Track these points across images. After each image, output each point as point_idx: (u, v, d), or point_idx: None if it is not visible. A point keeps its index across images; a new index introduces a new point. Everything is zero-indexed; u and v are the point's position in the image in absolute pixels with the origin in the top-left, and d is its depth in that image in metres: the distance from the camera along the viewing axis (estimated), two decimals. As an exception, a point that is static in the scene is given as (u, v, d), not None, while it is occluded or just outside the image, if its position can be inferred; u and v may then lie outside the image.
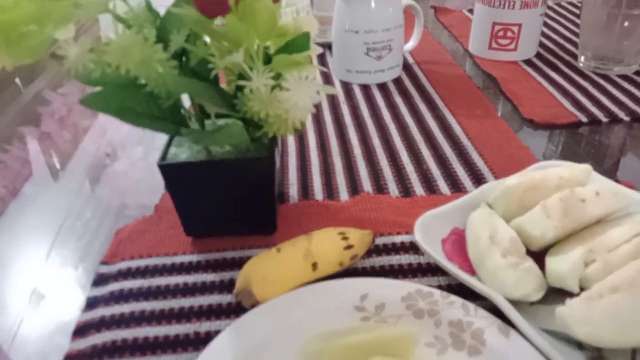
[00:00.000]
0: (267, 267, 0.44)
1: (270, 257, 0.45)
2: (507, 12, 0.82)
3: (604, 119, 0.70)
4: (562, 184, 0.47)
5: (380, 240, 0.51)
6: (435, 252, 0.45)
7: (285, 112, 0.42)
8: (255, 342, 0.39)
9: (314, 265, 0.44)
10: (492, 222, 0.46)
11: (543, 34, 0.96)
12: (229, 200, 0.49)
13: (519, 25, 0.83)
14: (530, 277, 0.42)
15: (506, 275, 0.42)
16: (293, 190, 0.59)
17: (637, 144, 0.66)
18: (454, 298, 0.42)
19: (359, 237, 0.47)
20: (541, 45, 0.91)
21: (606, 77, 0.80)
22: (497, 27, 0.84)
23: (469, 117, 0.72)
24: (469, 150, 0.65)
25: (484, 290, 0.41)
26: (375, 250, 0.49)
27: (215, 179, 0.48)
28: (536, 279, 0.42)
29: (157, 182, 0.61)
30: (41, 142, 0.75)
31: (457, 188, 0.58)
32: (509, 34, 0.84)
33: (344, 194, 0.58)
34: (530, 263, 0.43)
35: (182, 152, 0.48)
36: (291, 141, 0.69)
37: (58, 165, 0.70)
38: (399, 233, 0.51)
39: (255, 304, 0.42)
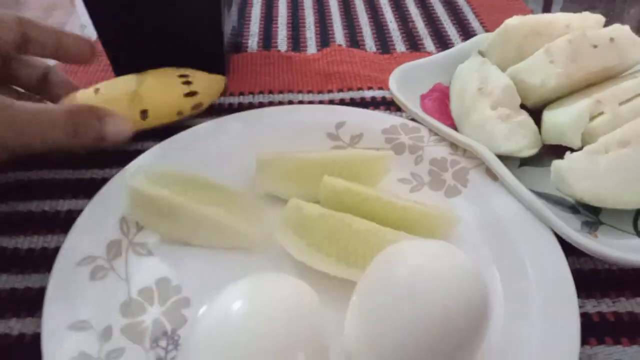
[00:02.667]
0: None
1: (85, 99, 0.34)
2: None
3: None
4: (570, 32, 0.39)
5: (348, 95, 0.43)
6: (412, 105, 0.38)
7: None
8: (205, 154, 0.34)
9: (144, 113, 0.35)
10: (483, 71, 0.38)
11: None
12: (169, 39, 0.39)
13: None
14: (523, 130, 0.34)
15: (495, 127, 0.34)
16: (253, 41, 0.50)
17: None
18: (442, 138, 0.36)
19: (206, 83, 0.38)
20: None
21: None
22: None
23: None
24: (464, 8, 0.56)
25: (465, 141, 0.34)
26: (341, 104, 0.42)
27: (155, 12, 0.37)
28: (530, 134, 0.34)
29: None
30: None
31: (445, 46, 0.50)
32: None
33: (312, 48, 0.49)
34: (524, 116, 0.35)
35: None
36: (256, -8, 0.59)
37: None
38: (370, 88, 0.43)
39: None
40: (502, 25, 0.39)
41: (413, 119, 0.37)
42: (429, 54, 0.48)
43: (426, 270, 0.22)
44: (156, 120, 0.36)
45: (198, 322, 0.22)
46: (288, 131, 0.36)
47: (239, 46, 0.49)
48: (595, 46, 0.36)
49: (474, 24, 0.53)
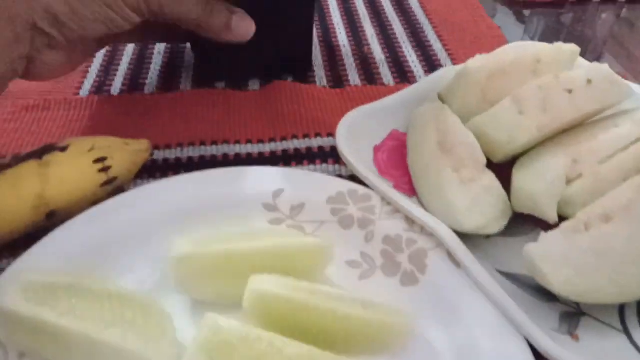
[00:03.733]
0: None
1: None
2: None
3: (594, -4, 0.56)
4: (540, 69, 0.34)
5: (292, 144, 0.37)
6: (362, 162, 0.32)
7: None
8: (105, 241, 0.28)
9: (50, 216, 0.29)
10: (443, 120, 0.32)
11: None
12: (262, 35, 0.36)
13: None
14: (489, 198, 0.29)
15: (457, 196, 0.29)
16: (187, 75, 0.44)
17: (631, 29, 0.52)
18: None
19: (127, 158, 0.32)
20: None
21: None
22: None
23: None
24: (425, 27, 0.50)
25: (422, 218, 0.29)
26: (284, 157, 0.36)
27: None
28: (498, 202, 0.29)
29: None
30: None
31: (404, 77, 0.44)
32: None
33: (253, 83, 0.43)
34: (490, 179, 0.30)
35: None
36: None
37: None
38: (318, 135, 0.38)
39: None
40: (462, 67, 0.33)
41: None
42: (386, 86, 0.43)
43: None
44: (67, 216, 0.29)
45: None
46: (216, 203, 0.30)
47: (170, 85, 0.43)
48: (570, 91, 0.31)
49: (436, 45, 0.48)
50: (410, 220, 0.29)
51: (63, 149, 0.30)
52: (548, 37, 0.51)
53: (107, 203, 0.29)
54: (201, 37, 0.34)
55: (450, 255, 0.27)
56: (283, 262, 0.26)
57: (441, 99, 0.35)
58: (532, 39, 0.51)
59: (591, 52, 0.49)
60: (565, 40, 0.38)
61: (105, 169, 0.30)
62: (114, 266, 0.27)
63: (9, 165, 0.29)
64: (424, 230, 0.29)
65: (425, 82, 0.38)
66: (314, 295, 0.25)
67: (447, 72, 0.38)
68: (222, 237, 0.28)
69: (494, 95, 0.33)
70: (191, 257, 0.26)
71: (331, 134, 0.38)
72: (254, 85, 0.43)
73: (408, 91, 0.37)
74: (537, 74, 0.34)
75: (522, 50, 0.35)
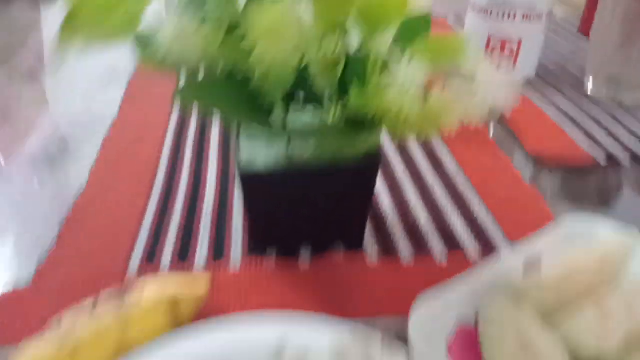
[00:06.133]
0: None
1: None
2: (507, 25, 0.69)
3: (625, 159, 0.57)
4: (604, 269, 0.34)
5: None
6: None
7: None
8: None
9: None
10: (522, 326, 0.31)
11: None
12: (317, 212, 0.40)
13: (519, 42, 0.70)
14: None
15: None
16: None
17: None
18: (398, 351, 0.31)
19: (191, 306, 0.35)
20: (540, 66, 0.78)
21: (619, 107, 0.68)
22: (493, 41, 0.71)
23: (464, 150, 0.58)
24: (467, 193, 0.51)
25: None
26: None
27: (307, 188, 0.39)
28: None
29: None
30: None
31: (454, 247, 0.44)
32: (507, 49, 0.71)
33: (304, 252, 0.43)
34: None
35: (256, 154, 0.38)
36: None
37: None
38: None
39: None
40: (535, 280, 0.33)
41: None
42: (440, 264, 0.42)
43: None
44: None
45: None
46: None
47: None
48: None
49: (481, 212, 0.48)
50: None
51: (139, 295, 0.33)
52: (579, 192, 0.52)
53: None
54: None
55: None
56: None
57: (513, 293, 0.34)
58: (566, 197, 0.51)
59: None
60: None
61: (175, 318, 0.33)
62: None
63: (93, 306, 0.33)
64: None
65: (489, 270, 0.37)
66: None
67: (509, 258, 0.38)
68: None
69: (567, 297, 0.33)
70: None
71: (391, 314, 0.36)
72: (305, 254, 0.42)
73: (473, 281, 0.36)
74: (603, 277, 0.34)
75: (579, 252, 0.35)
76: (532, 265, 0.34)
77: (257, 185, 0.38)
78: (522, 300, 0.33)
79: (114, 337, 0.31)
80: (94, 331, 0.31)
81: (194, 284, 0.35)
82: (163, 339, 0.32)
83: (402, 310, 0.35)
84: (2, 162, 0.49)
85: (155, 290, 0.34)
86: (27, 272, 0.40)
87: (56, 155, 0.54)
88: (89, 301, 0.33)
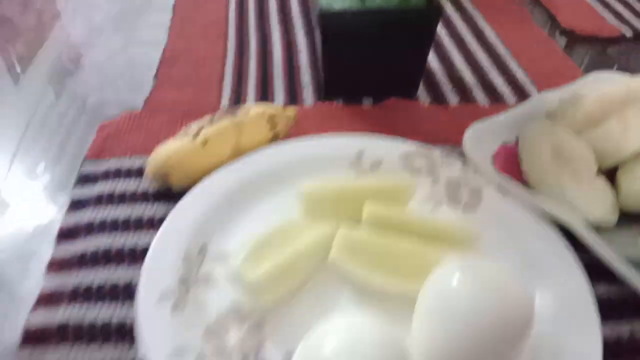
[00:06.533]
0: (191, 164, 0.38)
1: (196, 152, 0.38)
2: None
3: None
4: (630, 99, 0.41)
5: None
6: (487, 167, 0.39)
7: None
8: (237, 190, 0.37)
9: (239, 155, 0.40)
10: (556, 136, 0.39)
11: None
12: (383, 56, 0.47)
13: None
14: (603, 198, 0.36)
15: (578, 195, 0.36)
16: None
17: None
18: (454, 159, 0.40)
19: (285, 122, 0.43)
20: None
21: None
22: None
23: (503, 24, 0.63)
24: (506, 58, 0.57)
25: (556, 214, 0.34)
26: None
27: (377, 30, 0.45)
28: (609, 201, 0.36)
29: (140, 77, 0.52)
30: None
31: (496, 99, 0.51)
32: None
33: (366, 100, 0.50)
34: (602, 182, 0.36)
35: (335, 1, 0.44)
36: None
37: (22, 55, 0.58)
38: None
39: (168, 186, 0.39)
40: (572, 93, 0.40)
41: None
42: (482, 106, 0.49)
43: (485, 284, 0.26)
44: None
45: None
46: (315, 163, 0.39)
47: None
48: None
49: (518, 73, 0.54)
50: (465, 167, 0.39)
51: (248, 111, 0.42)
52: (611, 64, 0.58)
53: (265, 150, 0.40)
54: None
55: (499, 189, 0.37)
56: (383, 194, 0.35)
57: (548, 116, 0.41)
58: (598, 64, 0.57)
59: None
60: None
61: (274, 127, 0.42)
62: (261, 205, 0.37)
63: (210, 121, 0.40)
64: (477, 172, 0.38)
65: (526, 105, 0.44)
66: (410, 213, 0.35)
67: (543, 96, 0.45)
68: (334, 181, 0.37)
69: (596, 116, 0.40)
70: (316, 193, 0.35)
71: (447, 143, 0.44)
72: (367, 102, 0.50)
73: (514, 111, 0.44)
74: (627, 102, 0.41)
75: (611, 83, 0.42)
76: (566, 98, 0.41)
77: (333, 27, 0.45)
78: (557, 120, 0.40)
79: (232, 137, 0.39)
80: (217, 130, 0.39)
81: (284, 109, 0.43)
82: (265, 148, 0.40)
83: (454, 142, 0.43)
84: (19, 70, 0.54)
85: (257, 109, 0.42)
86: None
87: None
88: (206, 117, 0.41)
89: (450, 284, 0.27)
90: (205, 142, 0.38)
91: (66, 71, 0.55)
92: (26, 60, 0.57)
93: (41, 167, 0.43)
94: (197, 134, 0.38)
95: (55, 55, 0.57)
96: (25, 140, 0.45)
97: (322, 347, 0.25)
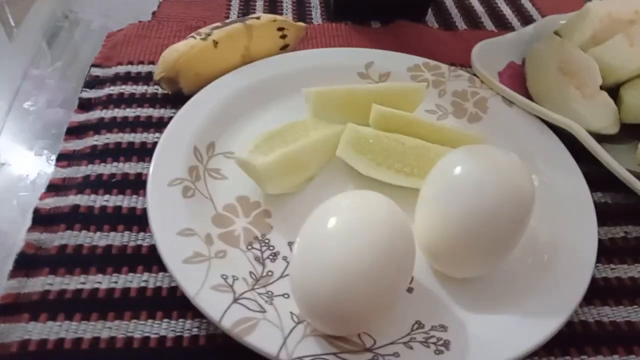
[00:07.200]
0: (201, 64, 0.38)
1: (207, 52, 0.38)
2: None
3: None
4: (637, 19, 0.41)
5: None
6: (494, 81, 0.39)
7: None
8: (246, 94, 0.38)
9: (245, 63, 0.40)
10: (563, 51, 0.39)
11: None
12: None
13: None
14: (606, 109, 0.36)
15: (582, 106, 0.36)
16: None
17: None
18: (461, 72, 0.41)
19: (295, 33, 0.43)
20: None
21: None
22: None
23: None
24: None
25: (560, 119, 0.35)
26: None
27: None
28: (611, 113, 0.36)
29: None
30: None
31: (503, 26, 0.51)
32: None
33: (375, 23, 0.50)
34: (605, 96, 0.37)
35: None
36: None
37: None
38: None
39: (177, 91, 0.38)
40: (583, 8, 0.40)
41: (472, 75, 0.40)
42: (491, 32, 0.49)
43: (489, 166, 0.26)
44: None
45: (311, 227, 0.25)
46: (324, 71, 0.40)
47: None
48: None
49: (527, 5, 0.54)
50: (472, 79, 0.40)
51: (258, 18, 0.41)
52: None
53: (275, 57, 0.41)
54: None
55: (504, 100, 0.38)
56: (390, 98, 0.36)
57: (558, 34, 0.41)
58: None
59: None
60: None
61: (283, 37, 0.42)
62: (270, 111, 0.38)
63: (209, 34, 0.39)
64: (483, 85, 0.39)
65: (534, 25, 0.45)
66: (417, 117, 0.36)
67: (550, 19, 0.45)
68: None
69: (603, 34, 0.40)
70: (324, 93, 0.35)
71: (453, 64, 0.44)
72: (376, 24, 0.50)
73: (520, 31, 0.44)
74: (635, 21, 0.41)
75: (624, 3, 0.42)
76: (574, 18, 0.41)
77: None
78: (565, 38, 0.40)
79: (243, 40, 0.39)
80: (228, 32, 0.39)
81: (295, 21, 0.43)
82: (275, 56, 0.40)
83: (461, 63, 0.44)
84: (12, 23, 0.52)
85: (269, 16, 0.42)
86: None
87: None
88: (216, 23, 0.41)
89: (455, 167, 0.27)
90: (216, 43, 0.38)
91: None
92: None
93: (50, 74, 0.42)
94: (208, 35, 0.38)
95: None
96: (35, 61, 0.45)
97: (326, 222, 0.24)
